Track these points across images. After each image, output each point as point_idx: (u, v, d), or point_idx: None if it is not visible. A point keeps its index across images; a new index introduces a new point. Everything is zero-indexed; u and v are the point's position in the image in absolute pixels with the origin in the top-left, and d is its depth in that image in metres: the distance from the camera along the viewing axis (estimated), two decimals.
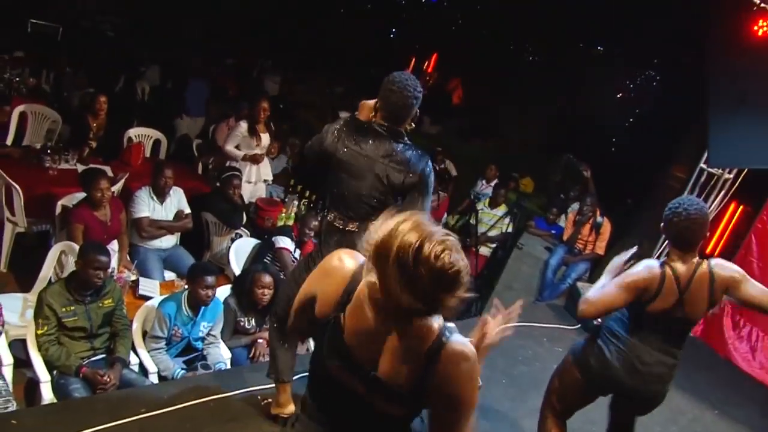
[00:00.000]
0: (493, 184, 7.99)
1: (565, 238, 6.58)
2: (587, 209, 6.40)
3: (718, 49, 5.58)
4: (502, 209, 7.38)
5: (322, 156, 2.77)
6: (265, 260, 4.89)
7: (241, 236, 5.44)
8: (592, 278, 6.82)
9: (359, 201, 2.75)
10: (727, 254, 5.98)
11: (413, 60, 18.50)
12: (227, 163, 5.83)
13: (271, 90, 9.43)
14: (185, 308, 3.87)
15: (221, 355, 4.03)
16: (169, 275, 4.99)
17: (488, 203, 7.33)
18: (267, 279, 4.20)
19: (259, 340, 4.28)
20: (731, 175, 6.27)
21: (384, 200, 2.74)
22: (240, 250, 5.25)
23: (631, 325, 2.91)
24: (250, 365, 4.08)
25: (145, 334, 3.95)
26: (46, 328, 3.44)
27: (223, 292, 4.28)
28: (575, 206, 6.76)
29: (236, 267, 5.11)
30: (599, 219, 6.41)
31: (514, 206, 7.37)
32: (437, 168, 8.30)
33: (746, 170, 6.06)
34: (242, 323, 4.26)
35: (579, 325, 5.40)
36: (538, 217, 7.31)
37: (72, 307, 3.52)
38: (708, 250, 6.89)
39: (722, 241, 6.64)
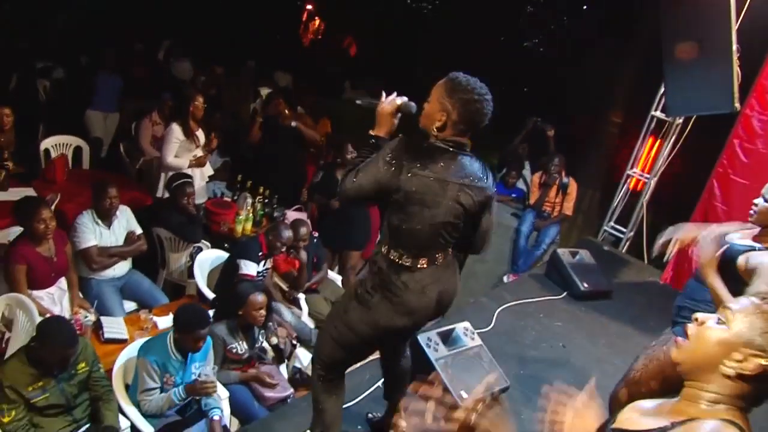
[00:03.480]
0: None
1: (531, 202, 6.39)
2: (554, 170, 6.21)
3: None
4: None
5: (381, 194, 2.32)
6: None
7: (201, 249, 4.88)
8: (563, 240, 6.72)
9: (433, 233, 2.33)
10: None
11: (303, 19, 17.93)
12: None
13: (181, 74, 8.61)
14: (173, 352, 3.37)
15: (218, 396, 3.56)
16: (129, 305, 4.44)
17: None
18: (261, 299, 3.84)
19: (251, 370, 3.90)
20: (680, 120, 6.30)
21: (458, 226, 2.36)
22: (204, 264, 4.75)
23: None
24: (271, 413, 3.66)
25: (127, 387, 3.43)
26: (13, 413, 2.85)
27: None
28: (529, 169, 6.59)
29: (203, 282, 4.62)
30: (565, 179, 6.25)
31: None
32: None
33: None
34: (234, 349, 3.83)
35: (565, 293, 5.28)
36: (497, 183, 7.07)
37: (40, 383, 2.94)
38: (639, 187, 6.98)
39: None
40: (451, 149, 2.30)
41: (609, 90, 8.16)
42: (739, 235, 2.98)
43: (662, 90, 6.26)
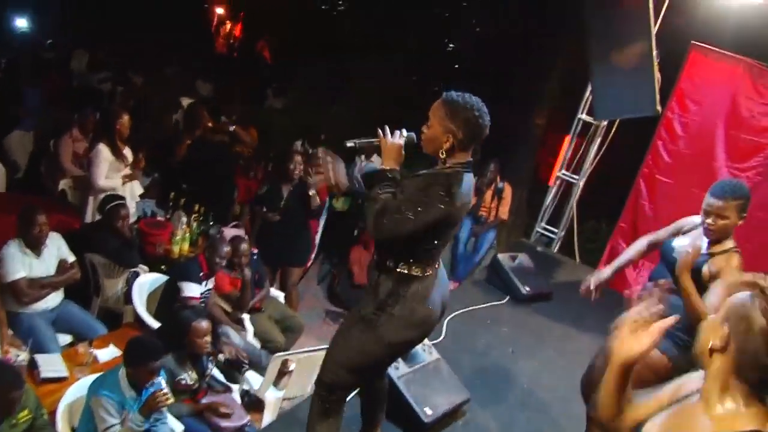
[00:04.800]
0: (374, 159, 7.63)
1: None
2: (490, 175, 6.30)
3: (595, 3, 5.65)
4: None
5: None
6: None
7: (138, 273, 4.64)
8: (499, 245, 6.83)
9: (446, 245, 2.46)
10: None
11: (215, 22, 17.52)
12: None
13: (98, 85, 8.18)
14: (126, 388, 3.17)
15: (172, 430, 3.39)
16: (64, 338, 4.18)
17: None
18: (205, 325, 3.70)
19: (203, 401, 3.75)
20: (605, 123, 6.53)
21: None
22: (143, 288, 4.54)
23: None
24: None
25: (73, 430, 3.22)
26: None
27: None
28: None
29: (142, 308, 4.41)
30: (500, 184, 6.35)
31: None
32: (310, 151, 7.78)
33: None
34: (183, 381, 3.67)
35: (508, 298, 5.36)
36: None
37: None
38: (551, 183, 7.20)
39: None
40: (467, 170, 2.35)
41: (534, 92, 8.34)
42: (686, 241, 3.08)
43: (588, 93, 6.47)
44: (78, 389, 3.29)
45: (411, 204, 2.25)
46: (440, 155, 2.33)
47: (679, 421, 1.47)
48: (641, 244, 3.41)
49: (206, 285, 4.48)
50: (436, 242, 2.39)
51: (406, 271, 2.38)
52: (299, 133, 8.20)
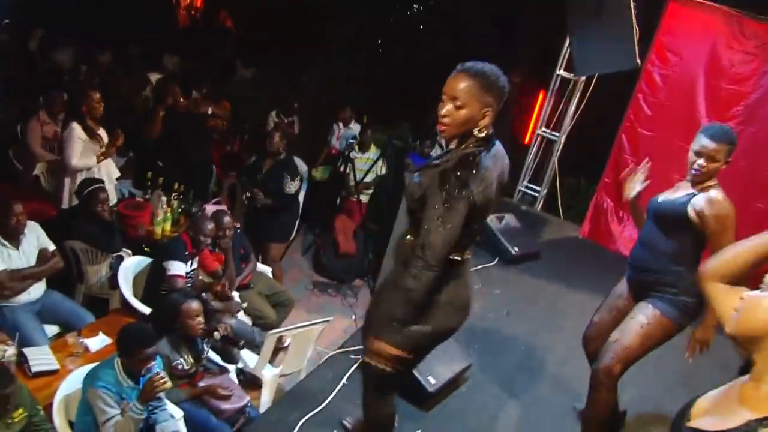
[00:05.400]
0: (352, 126, 7.52)
1: None
2: None
3: None
4: (373, 152, 7.01)
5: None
6: (162, 290, 4.16)
7: (122, 258, 4.52)
8: None
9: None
10: None
11: None
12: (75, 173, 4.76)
13: (61, 65, 7.84)
14: (123, 378, 3.09)
15: (172, 418, 3.32)
16: (51, 329, 4.07)
17: (358, 147, 6.88)
18: (196, 305, 3.62)
19: (201, 384, 3.69)
20: (584, 78, 6.48)
21: None
22: (128, 272, 4.43)
23: None
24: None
25: (70, 424, 3.14)
26: None
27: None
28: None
29: (129, 293, 4.31)
30: None
31: (387, 146, 7.01)
32: (285, 121, 7.63)
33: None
34: (179, 366, 3.60)
35: (497, 259, 5.35)
36: (412, 152, 7.02)
37: None
38: (527, 141, 7.18)
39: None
40: (481, 147, 2.22)
41: (508, 51, 8.25)
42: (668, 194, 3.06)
43: (565, 49, 6.41)
44: (72, 382, 3.20)
45: (433, 219, 2.13)
46: (478, 132, 2.20)
47: (727, 399, 1.44)
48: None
49: (191, 264, 4.39)
50: (475, 226, 2.29)
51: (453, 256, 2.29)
52: (272, 103, 8.04)
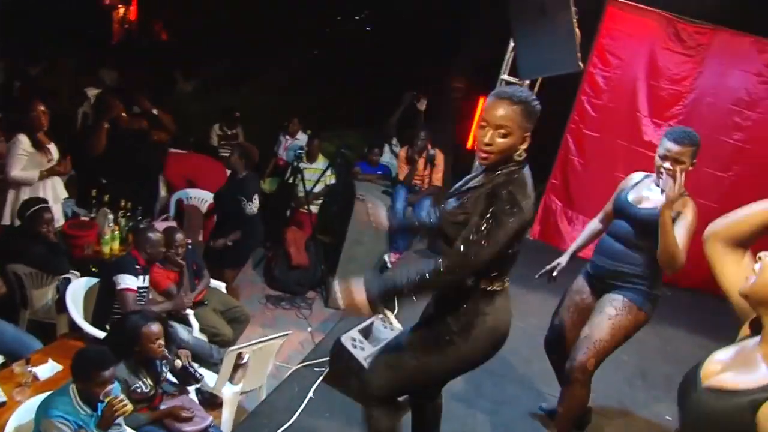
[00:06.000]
0: (299, 137, 7.45)
1: (401, 178, 6.37)
2: (421, 143, 6.24)
3: None
4: (321, 161, 6.95)
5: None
6: (114, 309, 4.04)
7: (69, 280, 4.33)
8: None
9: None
10: None
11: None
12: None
13: None
14: (79, 406, 2.94)
15: None
16: None
17: (306, 158, 6.81)
18: (156, 328, 3.48)
19: (161, 407, 3.55)
20: (528, 82, 6.59)
21: None
22: (77, 295, 4.24)
23: None
24: None
25: None
26: None
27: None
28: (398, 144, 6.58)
29: (79, 317, 4.13)
30: (431, 151, 6.31)
31: (336, 155, 6.97)
32: (228, 133, 7.50)
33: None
34: (138, 389, 3.45)
35: None
36: (360, 161, 7.00)
37: None
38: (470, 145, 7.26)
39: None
40: (524, 165, 2.23)
41: (453, 57, 8.34)
42: (638, 194, 3.11)
43: (509, 53, 6.49)
44: (23, 414, 3.02)
45: (481, 232, 2.09)
46: (519, 156, 2.19)
47: (744, 360, 1.46)
48: (593, 224, 3.42)
49: (144, 281, 4.25)
50: (514, 250, 2.25)
51: (488, 287, 2.25)
52: (215, 115, 7.88)
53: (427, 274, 2.12)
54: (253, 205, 5.21)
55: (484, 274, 2.23)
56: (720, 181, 5.62)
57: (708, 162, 5.43)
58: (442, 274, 2.11)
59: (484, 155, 2.16)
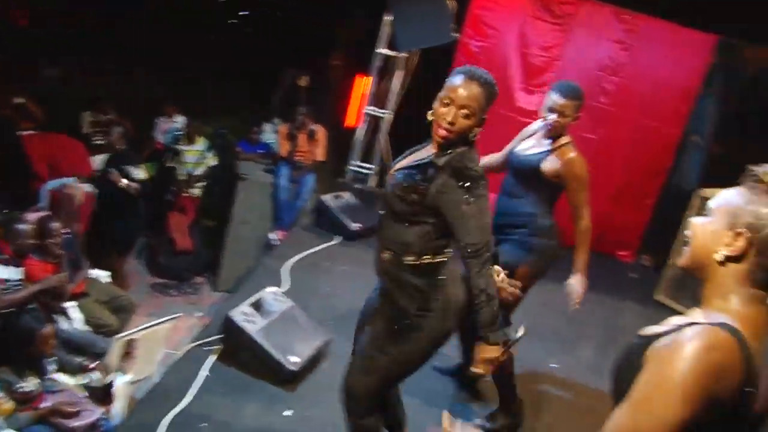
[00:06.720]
0: (176, 119, 7.19)
1: (283, 154, 6.31)
2: (300, 119, 6.22)
3: None
4: (201, 143, 6.77)
5: None
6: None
7: None
8: (320, 187, 6.79)
9: None
10: None
11: None
12: None
13: None
14: None
15: None
16: None
17: (185, 140, 6.61)
18: (49, 329, 3.52)
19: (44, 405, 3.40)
20: (406, 54, 6.66)
21: None
22: None
23: None
24: None
25: None
26: None
27: None
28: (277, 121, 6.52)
29: None
30: (312, 127, 6.31)
31: (215, 136, 6.80)
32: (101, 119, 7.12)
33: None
34: (21, 389, 3.30)
35: (342, 238, 5.42)
36: (241, 141, 6.87)
37: None
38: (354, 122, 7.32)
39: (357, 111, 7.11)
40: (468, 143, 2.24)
41: (327, 34, 8.33)
42: (529, 144, 3.18)
43: (385, 27, 6.55)
44: None
45: (468, 217, 2.15)
46: (472, 138, 2.20)
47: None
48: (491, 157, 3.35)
49: (16, 273, 4.00)
50: None
51: (432, 259, 2.25)
52: (84, 102, 7.44)
53: (482, 282, 2.15)
54: (141, 170, 5.32)
55: (426, 251, 2.25)
56: (588, 142, 5.96)
57: (578, 124, 5.74)
58: (485, 264, 2.16)
59: (444, 133, 2.16)
